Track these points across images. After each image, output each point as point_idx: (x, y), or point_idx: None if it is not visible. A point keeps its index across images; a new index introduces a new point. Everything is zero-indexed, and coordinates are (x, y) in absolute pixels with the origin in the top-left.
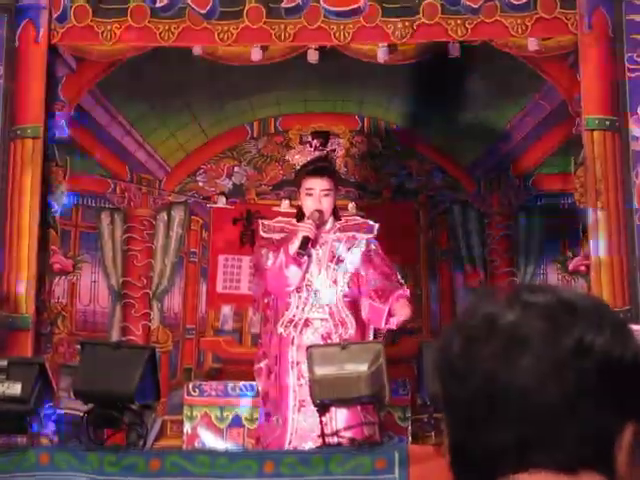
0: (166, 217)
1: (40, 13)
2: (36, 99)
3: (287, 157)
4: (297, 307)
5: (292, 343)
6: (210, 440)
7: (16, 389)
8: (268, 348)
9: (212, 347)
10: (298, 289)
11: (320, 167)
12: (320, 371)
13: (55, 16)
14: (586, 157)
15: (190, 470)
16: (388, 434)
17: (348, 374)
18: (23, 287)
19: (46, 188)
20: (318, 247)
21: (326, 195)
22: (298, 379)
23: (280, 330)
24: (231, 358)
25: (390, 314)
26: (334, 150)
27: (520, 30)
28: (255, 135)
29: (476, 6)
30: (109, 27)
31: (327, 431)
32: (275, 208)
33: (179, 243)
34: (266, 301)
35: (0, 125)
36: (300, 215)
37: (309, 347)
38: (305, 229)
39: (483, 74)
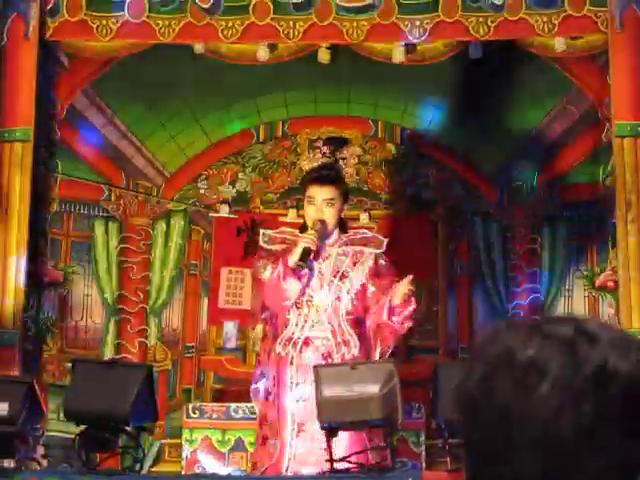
0: (165, 226)
1: (30, 6)
2: (26, 100)
3: (296, 163)
4: (297, 324)
5: (291, 363)
6: (211, 465)
7: (3, 409)
8: (266, 367)
9: (213, 366)
10: (298, 305)
11: (323, 175)
12: (328, 392)
13: (46, 9)
14: (616, 166)
15: None
16: (401, 460)
17: (358, 395)
18: (9, 300)
19: (35, 194)
20: (321, 260)
21: (329, 205)
22: (297, 401)
23: (278, 349)
24: (234, 378)
25: (392, 310)
26: (344, 158)
27: (547, 29)
28: (261, 139)
29: (499, 2)
30: (104, 22)
31: (329, 457)
32: (282, 218)
33: (179, 254)
34: (263, 316)
35: None
36: (305, 226)
37: (316, 366)
38: (306, 240)
39: (506, 76)
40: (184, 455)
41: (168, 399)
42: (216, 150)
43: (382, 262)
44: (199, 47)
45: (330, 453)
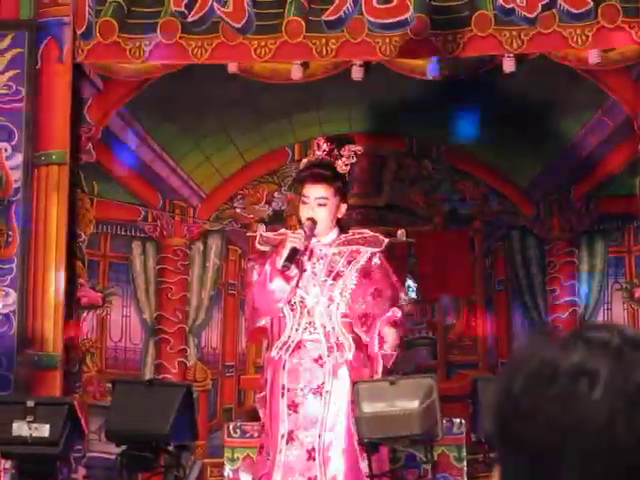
0: (202, 247)
1: (63, 29)
2: (61, 123)
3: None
4: (292, 328)
5: (283, 367)
6: None
7: (44, 431)
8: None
9: (253, 385)
10: (292, 307)
11: (315, 173)
12: (368, 408)
13: (79, 32)
14: None
15: None
16: (443, 475)
17: (398, 411)
18: (49, 323)
19: (72, 216)
20: (315, 260)
21: (321, 204)
22: (288, 407)
23: (273, 353)
24: None
25: (382, 340)
26: (342, 156)
27: (580, 41)
28: (296, 157)
29: (532, 16)
30: (137, 44)
31: (369, 472)
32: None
33: (216, 274)
34: (263, 323)
35: (23, 151)
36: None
37: (355, 382)
38: (293, 240)
39: (540, 89)
40: (226, 474)
41: (209, 419)
42: (251, 170)
43: (376, 261)
44: (232, 67)
45: (370, 468)
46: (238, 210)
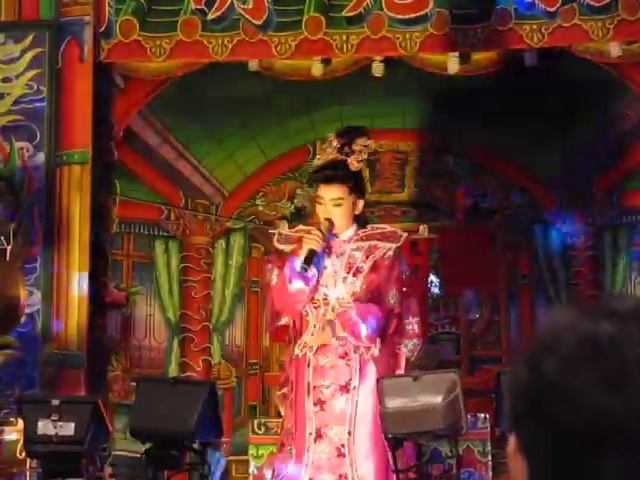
0: (224, 244)
1: (84, 29)
2: (83, 122)
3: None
4: (315, 326)
5: (308, 365)
6: None
7: (69, 429)
8: (289, 373)
9: (277, 383)
10: (315, 305)
11: (329, 175)
12: (392, 403)
13: (100, 31)
14: None
15: None
16: (468, 470)
17: (421, 406)
18: (73, 322)
19: (95, 216)
20: (335, 257)
21: (336, 205)
22: (315, 405)
23: (297, 352)
24: None
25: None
26: (353, 152)
27: (601, 34)
28: (317, 154)
29: (552, 10)
30: (158, 42)
31: (394, 467)
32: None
33: (239, 272)
34: (284, 322)
35: (45, 151)
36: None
37: (379, 379)
38: (311, 241)
39: (562, 83)
40: (250, 471)
41: (234, 416)
42: (273, 167)
43: (389, 254)
44: (253, 64)
45: (395, 464)
46: (260, 207)
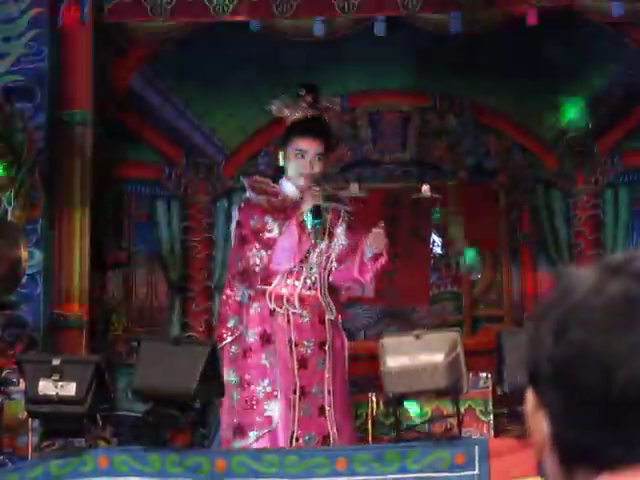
0: (226, 204)
1: None
2: (83, 82)
3: (357, 136)
4: (288, 280)
5: (288, 322)
6: None
7: (71, 389)
8: (254, 323)
9: None
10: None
11: (315, 128)
12: (392, 362)
13: None
14: None
15: (258, 470)
16: (468, 431)
17: (423, 365)
18: (75, 282)
19: (96, 176)
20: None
21: (320, 160)
22: (297, 362)
23: (272, 305)
24: None
25: (363, 266)
26: (327, 109)
27: None
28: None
29: None
30: (159, 2)
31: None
32: (342, 192)
33: None
34: (240, 268)
35: (47, 111)
36: (276, 179)
37: (380, 337)
38: (313, 197)
39: (563, 42)
40: None
41: None
42: (276, 126)
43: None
44: (255, 24)
45: (397, 423)
46: (262, 167)
